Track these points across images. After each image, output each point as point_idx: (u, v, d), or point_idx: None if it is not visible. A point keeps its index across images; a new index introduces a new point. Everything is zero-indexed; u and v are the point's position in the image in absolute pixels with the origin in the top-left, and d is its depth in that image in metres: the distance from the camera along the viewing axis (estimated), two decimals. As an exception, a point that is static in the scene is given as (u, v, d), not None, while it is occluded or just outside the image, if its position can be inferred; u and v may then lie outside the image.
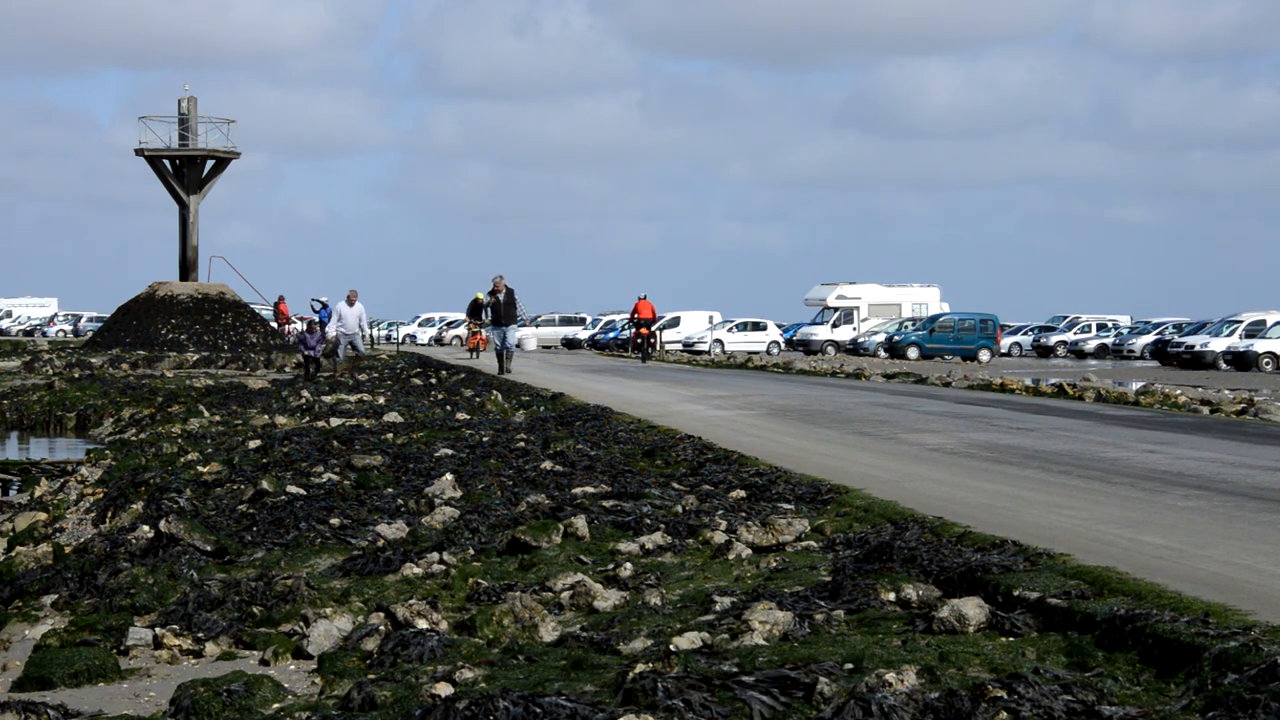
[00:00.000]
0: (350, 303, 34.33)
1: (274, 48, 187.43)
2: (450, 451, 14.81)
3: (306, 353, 33.81)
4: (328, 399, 24.45)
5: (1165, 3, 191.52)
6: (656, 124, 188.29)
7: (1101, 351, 69.74)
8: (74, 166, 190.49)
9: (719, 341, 69.26)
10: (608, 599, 8.16)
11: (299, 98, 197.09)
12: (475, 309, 46.67)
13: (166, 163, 59.29)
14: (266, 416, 21.18)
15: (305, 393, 26.27)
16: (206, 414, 22.61)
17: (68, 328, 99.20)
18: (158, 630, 8.15)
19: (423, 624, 7.67)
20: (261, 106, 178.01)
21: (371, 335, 68.99)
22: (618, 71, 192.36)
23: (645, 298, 49.56)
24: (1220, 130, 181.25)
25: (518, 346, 38.11)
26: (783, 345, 71.20)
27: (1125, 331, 71.81)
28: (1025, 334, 76.44)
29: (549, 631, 7.56)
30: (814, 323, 71.97)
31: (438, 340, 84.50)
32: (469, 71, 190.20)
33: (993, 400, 23.60)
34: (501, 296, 32.91)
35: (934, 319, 62.67)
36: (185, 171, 59.15)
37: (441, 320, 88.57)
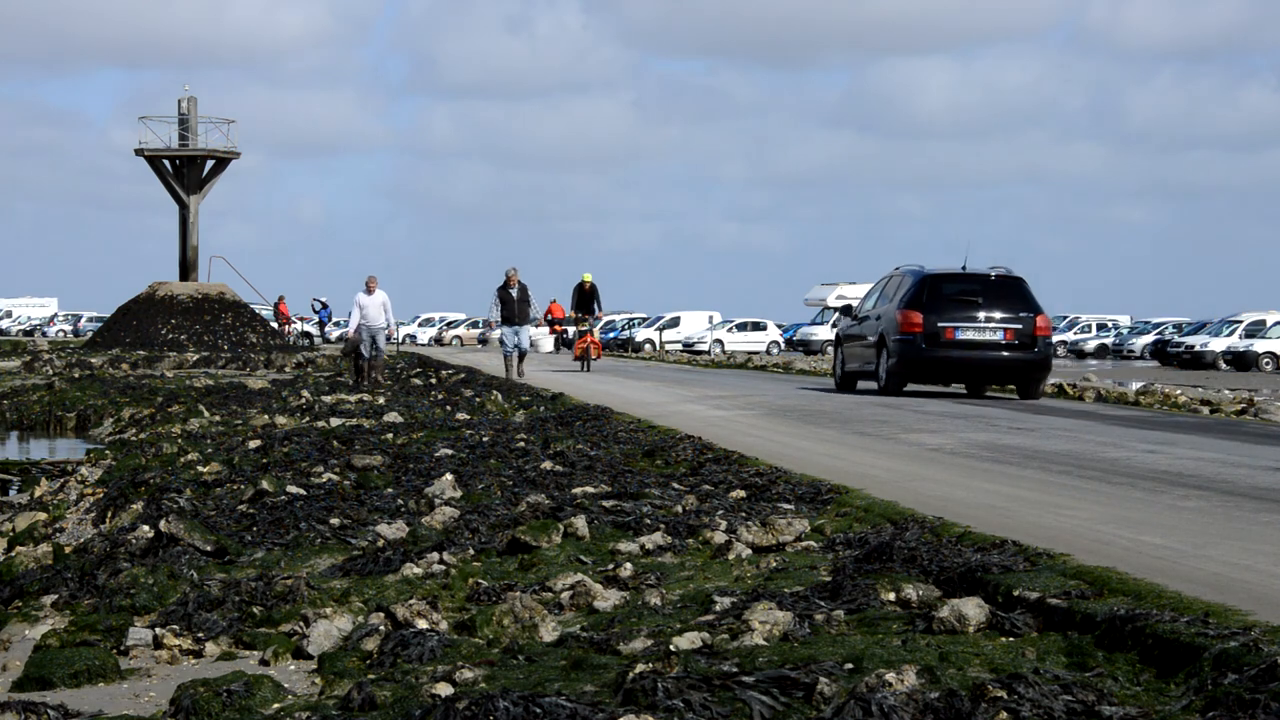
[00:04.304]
0: (369, 291, 29.18)
1: (270, 47, 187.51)
2: (450, 451, 14.81)
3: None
4: (328, 399, 24.44)
5: (1162, 2, 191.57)
6: (653, 124, 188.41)
7: (1101, 351, 69.73)
8: (73, 166, 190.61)
9: (719, 341, 69.32)
10: (608, 599, 8.16)
11: (296, 97, 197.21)
12: (583, 299, 36.87)
13: (166, 163, 59.34)
14: (266, 416, 21.17)
15: (305, 392, 26.24)
16: (206, 414, 22.61)
17: (68, 328, 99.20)
18: (158, 630, 8.14)
19: (423, 624, 7.66)
20: (258, 106, 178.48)
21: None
22: (613, 71, 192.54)
23: (556, 301, 54.99)
24: (1218, 130, 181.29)
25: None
26: (782, 345, 71.24)
27: (1125, 331, 71.82)
28: (1025, 334, 76.35)
29: (549, 631, 7.55)
30: (814, 323, 71.98)
31: (438, 340, 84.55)
32: (465, 71, 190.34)
33: (993, 400, 23.60)
34: (515, 292, 30.38)
35: (934, 319, 62.69)
36: (185, 171, 59.20)
37: (441, 320, 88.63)
